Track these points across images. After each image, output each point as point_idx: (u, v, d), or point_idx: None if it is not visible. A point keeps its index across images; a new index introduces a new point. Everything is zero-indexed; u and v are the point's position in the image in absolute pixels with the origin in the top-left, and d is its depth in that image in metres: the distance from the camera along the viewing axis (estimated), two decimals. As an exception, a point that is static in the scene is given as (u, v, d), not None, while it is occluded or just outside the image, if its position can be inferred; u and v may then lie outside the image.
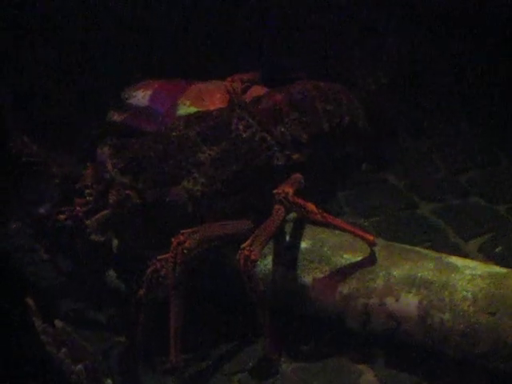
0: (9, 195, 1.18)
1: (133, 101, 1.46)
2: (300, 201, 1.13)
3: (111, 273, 1.23)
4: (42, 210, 1.20)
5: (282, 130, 1.22)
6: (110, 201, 1.12)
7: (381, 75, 1.42)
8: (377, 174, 1.52)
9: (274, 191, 1.14)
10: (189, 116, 1.24)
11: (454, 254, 1.15)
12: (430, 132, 1.61)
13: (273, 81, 1.35)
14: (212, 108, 1.29)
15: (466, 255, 1.27)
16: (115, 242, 1.20)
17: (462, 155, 1.57)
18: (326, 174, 1.28)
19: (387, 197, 1.47)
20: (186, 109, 1.39)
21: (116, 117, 1.46)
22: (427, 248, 1.21)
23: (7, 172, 1.18)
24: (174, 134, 1.19)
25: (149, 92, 1.45)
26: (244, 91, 1.35)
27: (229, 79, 1.35)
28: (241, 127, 1.19)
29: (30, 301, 1.02)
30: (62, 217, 1.15)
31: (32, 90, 1.47)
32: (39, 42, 1.44)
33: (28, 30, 1.42)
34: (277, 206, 1.14)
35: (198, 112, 1.26)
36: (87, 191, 1.14)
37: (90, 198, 1.13)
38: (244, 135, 1.19)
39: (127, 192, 1.12)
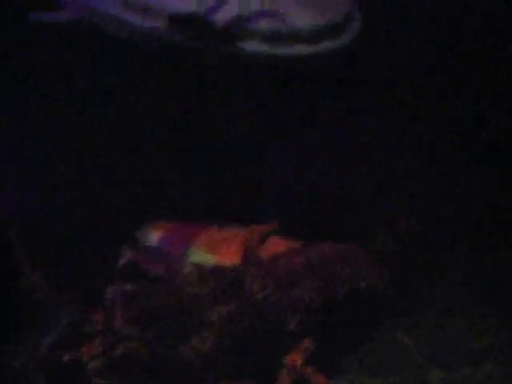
0: (18, 332, 1.16)
1: (146, 241, 1.45)
2: (309, 371, 1.11)
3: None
4: (46, 347, 1.17)
5: (297, 293, 1.20)
6: (117, 352, 1.10)
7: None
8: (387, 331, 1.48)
9: (284, 360, 1.12)
10: (203, 269, 1.22)
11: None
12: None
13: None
14: (227, 258, 1.29)
15: None
16: None
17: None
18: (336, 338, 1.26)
19: (397, 356, 1.43)
20: (200, 255, 1.38)
21: (129, 256, 1.44)
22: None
23: (18, 308, 1.17)
24: (187, 288, 1.17)
25: (161, 233, 1.44)
26: (261, 242, 1.34)
27: (247, 231, 1.35)
28: (255, 287, 1.18)
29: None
30: (66, 358, 1.13)
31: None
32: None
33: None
34: (284, 375, 1.12)
35: (213, 267, 1.25)
36: (97, 341, 1.12)
37: (99, 349, 1.11)
38: (258, 296, 1.17)
39: (134, 345, 1.11)
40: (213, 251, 1.38)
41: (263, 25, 1.28)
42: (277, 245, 1.33)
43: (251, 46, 1.28)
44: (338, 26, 1.35)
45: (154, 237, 1.44)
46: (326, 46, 1.34)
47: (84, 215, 1.40)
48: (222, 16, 1.27)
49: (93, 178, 1.40)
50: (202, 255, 1.37)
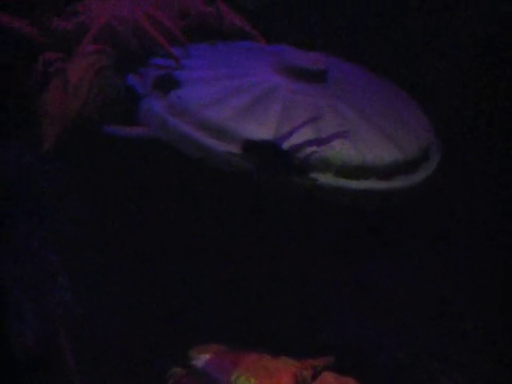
0: None
1: (196, 362, 1.41)
2: None
3: None
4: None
5: None
6: None
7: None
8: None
9: None
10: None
11: None
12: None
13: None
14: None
15: None
16: None
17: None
18: None
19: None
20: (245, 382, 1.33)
21: (177, 376, 1.41)
22: None
23: None
24: None
25: (211, 356, 1.40)
26: (314, 378, 1.30)
27: (299, 364, 1.30)
28: None
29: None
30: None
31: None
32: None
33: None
34: None
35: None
36: None
37: None
38: None
39: None
40: (261, 381, 1.34)
41: (338, 156, 1.25)
42: (330, 380, 1.29)
43: (324, 178, 1.25)
44: (415, 161, 1.32)
45: (203, 358, 1.40)
46: (400, 182, 1.30)
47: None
48: (298, 145, 1.24)
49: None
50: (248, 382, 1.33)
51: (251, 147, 1.23)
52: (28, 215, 1.32)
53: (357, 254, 1.38)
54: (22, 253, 1.28)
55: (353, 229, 1.34)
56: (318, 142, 1.25)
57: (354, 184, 1.26)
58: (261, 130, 1.24)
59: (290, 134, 1.25)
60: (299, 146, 1.25)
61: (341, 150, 1.26)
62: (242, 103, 1.27)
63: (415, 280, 1.41)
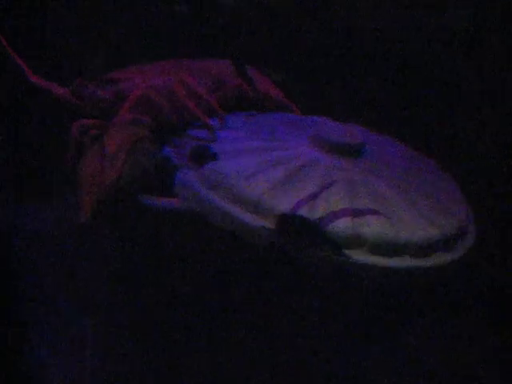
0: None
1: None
2: None
3: None
4: None
5: None
6: None
7: None
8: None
9: None
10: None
11: None
12: None
13: None
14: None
15: None
16: None
17: None
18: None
19: None
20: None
21: None
22: None
23: None
24: None
25: None
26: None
27: None
28: None
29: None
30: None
31: None
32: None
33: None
34: None
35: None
36: None
37: None
38: None
39: None
40: None
41: (372, 233, 1.24)
42: None
43: (357, 255, 1.24)
44: (451, 239, 1.31)
45: None
46: (435, 260, 1.29)
47: None
48: (333, 221, 1.24)
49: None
50: None
51: (286, 222, 1.23)
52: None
53: (394, 327, 1.36)
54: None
55: (387, 301, 1.33)
56: (354, 218, 1.25)
57: (387, 262, 1.25)
58: (297, 205, 1.24)
59: (326, 209, 1.24)
60: (334, 222, 1.24)
61: (375, 227, 1.25)
62: (278, 178, 1.26)
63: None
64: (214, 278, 1.30)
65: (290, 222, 1.23)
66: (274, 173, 1.27)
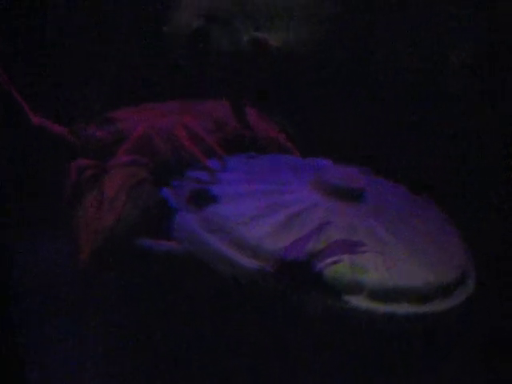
0: None
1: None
2: None
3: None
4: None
5: None
6: None
7: None
8: None
9: None
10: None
11: None
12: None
13: None
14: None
15: None
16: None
17: None
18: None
19: None
20: None
21: None
22: None
23: None
24: None
25: None
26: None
27: None
28: None
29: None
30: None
31: None
32: None
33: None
34: None
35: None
36: None
37: None
38: None
39: None
40: None
41: (371, 279, 1.24)
42: None
43: (356, 301, 1.23)
44: (450, 285, 1.30)
45: None
46: (434, 306, 1.28)
47: None
48: (332, 267, 1.23)
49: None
50: None
51: (285, 267, 1.22)
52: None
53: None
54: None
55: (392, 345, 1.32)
56: (352, 263, 1.24)
57: (385, 308, 1.24)
58: (296, 252, 1.23)
59: (324, 255, 1.24)
60: (333, 267, 1.23)
61: (374, 274, 1.24)
62: (278, 222, 1.26)
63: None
64: (213, 319, 1.29)
65: (288, 267, 1.22)
66: (274, 217, 1.27)
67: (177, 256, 1.26)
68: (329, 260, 1.24)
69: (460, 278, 1.33)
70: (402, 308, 1.25)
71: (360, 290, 1.23)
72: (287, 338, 1.29)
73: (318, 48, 1.41)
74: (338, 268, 1.23)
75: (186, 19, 1.34)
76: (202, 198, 1.29)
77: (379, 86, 1.52)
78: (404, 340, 1.30)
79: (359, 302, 1.23)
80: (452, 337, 1.35)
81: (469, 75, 1.50)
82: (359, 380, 1.32)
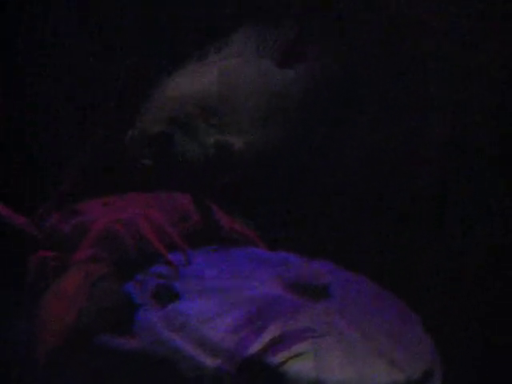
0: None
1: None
2: None
3: None
4: None
5: None
6: None
7: None
8: None
9: None
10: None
11: None
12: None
13: None
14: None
15: None
16: None
17: None
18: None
19: None
20: None
21: None
22: None
23: None
24: None
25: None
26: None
27: None
28: None
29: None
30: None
31: None
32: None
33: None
34: None
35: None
36: None
37: None
38: None
39: None
40: None
41: (335, 379, 1.22)
42: None
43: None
44: (416, 383, 1.29)
45: None
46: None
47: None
48: (294, 366, 1.22)
49: None
50: None
51: (247, 368, 1.20)
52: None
53: None
54: None
55: None
56: (316, 364, 1.22)
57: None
58: (257, 350, 1.22)
59: (287, 353, 1.22)
60: (296, 367, 1.22)
61: (338, 373, 1.23)
62: (240, 320, 1.24)
63: None
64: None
65: (250, 368, 1.20)
66: (237, 315, 1.25)
67: (137, 354, 1.24)
68: (292, 360, 1.22)
69: (426, 375, 1.32)
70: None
71: (326, 389, 1.22)
72: None
73: (284, 149, 1.41)
74: (302, 367, 1.22)
75: (149, 123, 1.34)
76: (165, 294, 1.28)
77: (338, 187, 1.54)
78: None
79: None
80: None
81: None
82: None
